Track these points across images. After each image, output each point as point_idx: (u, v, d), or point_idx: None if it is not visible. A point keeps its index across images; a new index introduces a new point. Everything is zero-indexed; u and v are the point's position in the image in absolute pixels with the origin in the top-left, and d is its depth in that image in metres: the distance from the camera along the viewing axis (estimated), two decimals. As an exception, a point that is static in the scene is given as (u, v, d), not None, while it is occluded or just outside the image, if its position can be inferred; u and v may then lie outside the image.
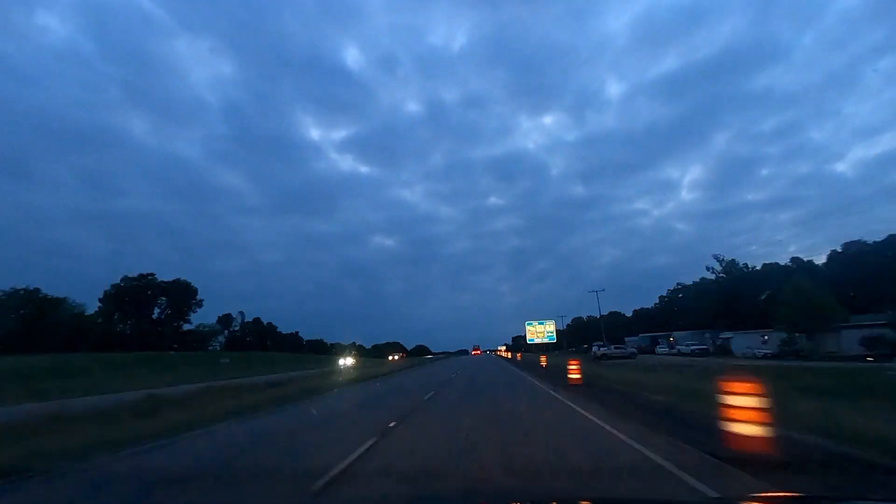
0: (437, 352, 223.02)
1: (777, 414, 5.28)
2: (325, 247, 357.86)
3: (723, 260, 68.40)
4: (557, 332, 63.83)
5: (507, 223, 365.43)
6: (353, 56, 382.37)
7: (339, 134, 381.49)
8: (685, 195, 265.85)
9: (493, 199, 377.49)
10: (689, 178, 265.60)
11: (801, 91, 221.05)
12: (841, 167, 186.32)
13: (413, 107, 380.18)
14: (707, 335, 62.62)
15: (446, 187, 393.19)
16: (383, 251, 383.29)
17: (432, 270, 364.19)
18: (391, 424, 9.09)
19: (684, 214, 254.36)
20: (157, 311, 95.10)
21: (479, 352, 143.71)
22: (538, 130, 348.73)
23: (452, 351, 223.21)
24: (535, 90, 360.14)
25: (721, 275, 68.23)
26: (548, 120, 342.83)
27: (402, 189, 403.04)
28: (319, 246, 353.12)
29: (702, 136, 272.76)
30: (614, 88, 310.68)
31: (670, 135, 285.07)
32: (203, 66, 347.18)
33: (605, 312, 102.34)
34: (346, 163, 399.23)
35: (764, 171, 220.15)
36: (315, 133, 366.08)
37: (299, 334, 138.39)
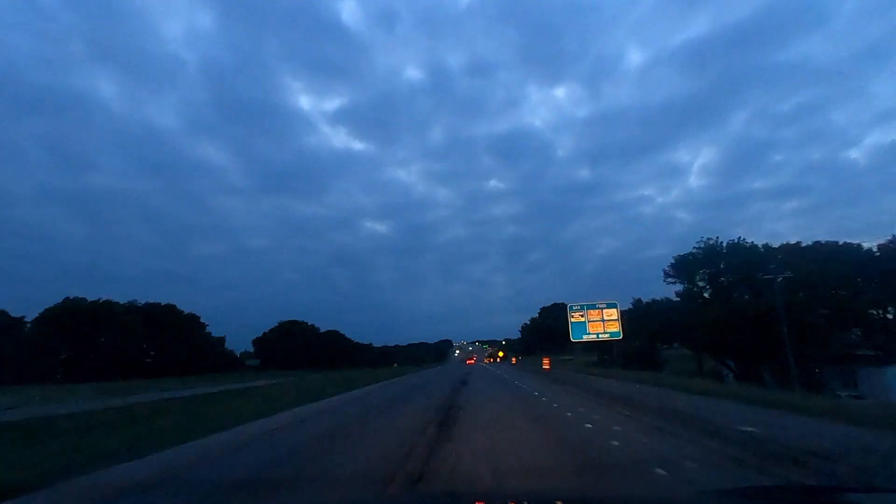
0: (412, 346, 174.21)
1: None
2: (312, 232, 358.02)
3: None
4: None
5: (505, 209, 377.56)
6: (349, 9, 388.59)
7: (332, 104, 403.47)
8: (692, 182, 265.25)
9: (493, 183, 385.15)
10: (699, 162, 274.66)
11: (832, 65, 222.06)
12: (854, 154, 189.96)
13: (413, 72, 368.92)
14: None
15: (445, 167, 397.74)
16: (374, 238, 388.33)
17: (424, 259, 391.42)
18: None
19: (688, 202, 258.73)
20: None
21: (472, 362, 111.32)
22: (547, 105, 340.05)
23: (431, 342, 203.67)
24: (548, 56, 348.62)
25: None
26: (559, 92, 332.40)
27: (398, 169, 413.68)
28: (306, 231, 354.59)
29: (719, 116, 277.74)
30: (635, 57, 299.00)
31: (686, 112, 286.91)
32: (178, 16, 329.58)
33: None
34: (339, 138, 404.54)
35: (777, 157, 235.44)
36: (305, 102, 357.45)
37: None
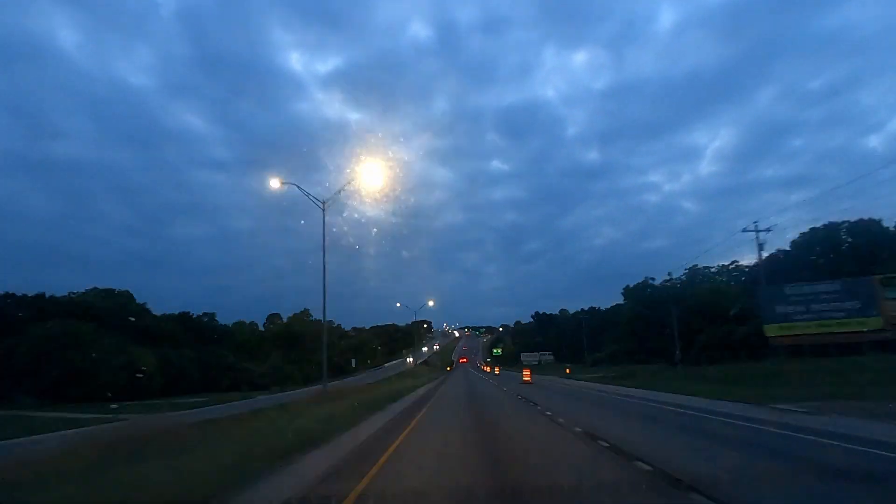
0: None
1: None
2: (300, 214, 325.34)
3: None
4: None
5: (506, 194, 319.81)
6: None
7: (326, 64, 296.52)
8: (703, 168, 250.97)
9: (495, 164, 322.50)
10: (714, 145, 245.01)
11: (874, 35, 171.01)
12: (874, 141, 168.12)
13: (418, 28, 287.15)
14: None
15: (446, 144, 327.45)
16: (364, 222, 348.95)
17: (417, 245, 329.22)
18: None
19: (695, 191, 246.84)
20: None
21: (465, 361, 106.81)
22: (563, 72, 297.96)
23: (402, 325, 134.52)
24: (570, 13, 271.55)
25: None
26: (579, 57, 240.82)
27: (396, 143, 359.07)
28: (294, 213, 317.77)
29: (744, 92, 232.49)
30: (667, 17, 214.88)
31: (711, 87, 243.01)
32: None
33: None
34: (333, 106, 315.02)
35: (796, 142, 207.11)
36: (296, 61, 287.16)
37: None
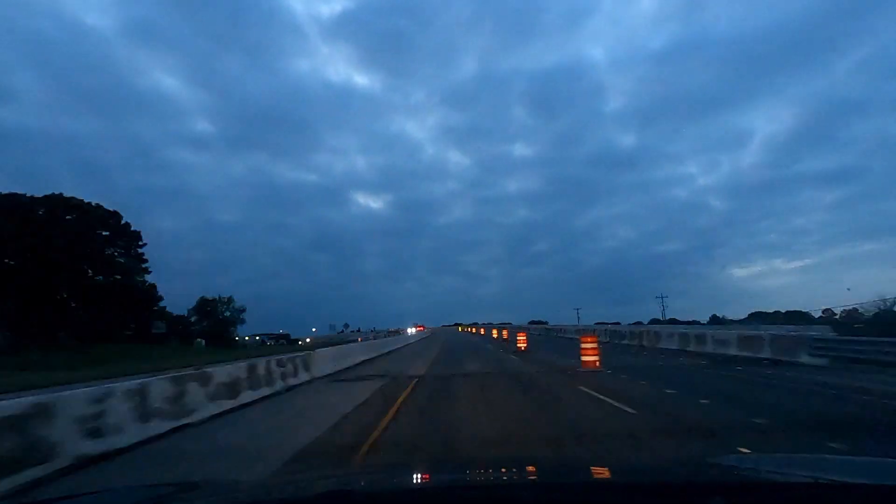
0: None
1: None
2: (293, 205, 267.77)
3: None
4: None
5: (523, 185, 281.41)
6: None
7: (331, 7, 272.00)
8: (746, 157, 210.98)
9: (518, 147, 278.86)
10: (767, 130, 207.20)
11: None
12: None
13: None
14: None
15: (466, 120, 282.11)
16: (365, 217, 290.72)
17: (418, 245, 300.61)
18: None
19: (730, 185, 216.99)
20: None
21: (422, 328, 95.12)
22: (619, 24, 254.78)
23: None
24: None
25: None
26: (643, 2, 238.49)
27: (409, 118, 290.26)
28: (287, 204, 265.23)
29: (821, 59, 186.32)
30: None
31: (787, 50, 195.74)
32: None
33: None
34: (338, 66, 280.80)
35: (857, 127, 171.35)
36: (296, 0, 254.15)
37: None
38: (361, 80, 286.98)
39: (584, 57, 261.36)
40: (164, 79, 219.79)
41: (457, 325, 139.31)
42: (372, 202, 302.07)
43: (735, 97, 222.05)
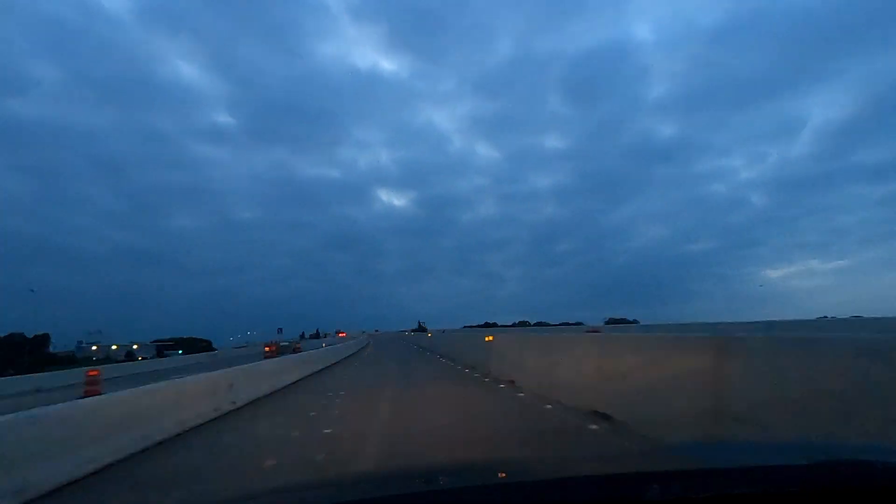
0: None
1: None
2: (313, 203, 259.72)
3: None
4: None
5: (553, 180, 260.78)
6: None
7: None
8: (796, 148, 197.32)
9: (551, 139, 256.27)
10: (823, 117, 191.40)
11: None
12: None
13: None
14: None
15: (498, 109, 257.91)
16: (388, 215, 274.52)
17: (440, 245, 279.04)
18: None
19: (774, 179, 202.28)
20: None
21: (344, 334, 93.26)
22: (664, 0, 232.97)
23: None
24: None
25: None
26: None
27: (437, 108, 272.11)
28: (307, 201, 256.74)
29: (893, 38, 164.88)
30: None
31: (857, 22, 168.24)
32: None
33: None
34: (365, 51, 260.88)
35: None
36: None
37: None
38: (388, 65, 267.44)
39: (629, 36, 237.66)
40: (183, 66, 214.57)
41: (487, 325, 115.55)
42: (395, 199, 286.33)
43: (791, 80, 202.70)
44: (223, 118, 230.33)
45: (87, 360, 67.80)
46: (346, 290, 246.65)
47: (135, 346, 77.88)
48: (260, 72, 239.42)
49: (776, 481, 1.21)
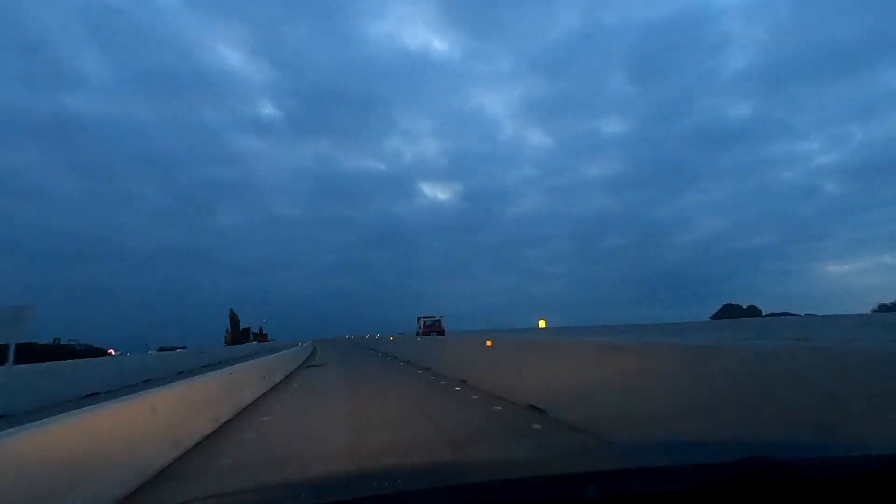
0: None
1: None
2: (355, 198, 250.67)
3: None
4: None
5: (606, 168, 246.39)
6: None
7: None
8: (886, 127, 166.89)
9: (609, 123, 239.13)
10: None
11: None
12: None
13: None
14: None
15: (555, 91, 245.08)
16: (431, 210, 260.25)
17: (483, 241, 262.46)
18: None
19: (854, 163, 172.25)
20: None
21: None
22: None
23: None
24: None
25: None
26: None
27: (488, 91, 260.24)
28: (351, 196, 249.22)
29: None
30: None
31: None
32: None
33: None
34: (416, 27, 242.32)
35: None
36: None
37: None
38: (440, 44, 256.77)
39: (708, 0, 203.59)
40: (230, 54, 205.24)
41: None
42: (440, 193, 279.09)
43: (890, 47, 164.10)
44: (268, 110, 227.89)
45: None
46: (384, 288, 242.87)
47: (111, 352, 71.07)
48: (308, 57, 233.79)
49: (704, 478, 1.27)
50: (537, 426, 5.83)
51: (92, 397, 11.24)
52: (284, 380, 13.43)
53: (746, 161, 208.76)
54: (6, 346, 10.88)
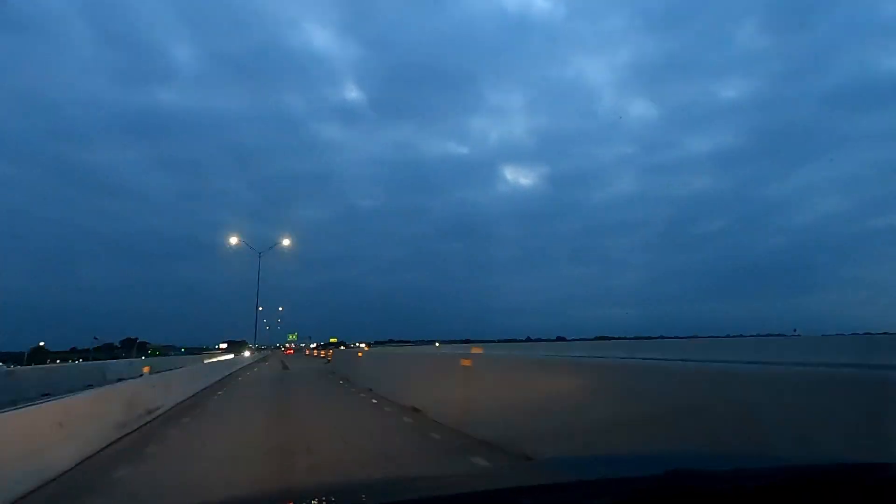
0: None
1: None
2: (433, 186, 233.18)
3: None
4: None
5: (715, 141, 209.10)
6: None
7: None
8: None
9: (729, 84, 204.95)
10: None
11: None
12: None
13: None
14: None
15: (667, 48, 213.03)
16: (511, 196, 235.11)
17: (562, 229, 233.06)
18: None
19: None
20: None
21: (291, 351, 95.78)
22: None
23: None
24: None
25: None
26: None
27: (594, 54, 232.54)
28: (429, 184, 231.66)
29: None
30: None
31: None
32: None
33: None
34: None
35: None
36: None
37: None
38: (543, 1, 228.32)
39: None
40: (316, 32, 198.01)
41: None
42: (522, 177, 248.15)
43: None
44: (352, 93, 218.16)
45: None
46: (456, 282, 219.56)
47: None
48: (397, 31, 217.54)
49: (630, 491, 1.31)
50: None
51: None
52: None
53: (891, 125, 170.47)
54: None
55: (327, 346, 73.15)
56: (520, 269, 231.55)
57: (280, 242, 36.20)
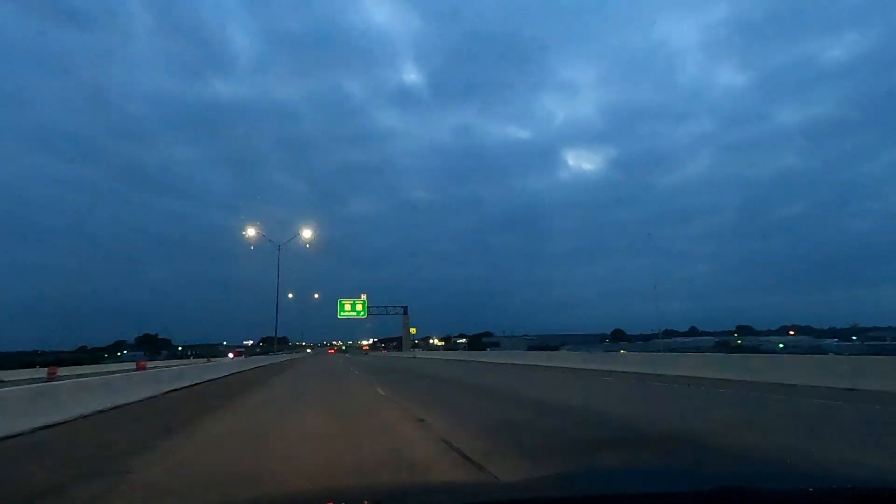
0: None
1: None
2: (489, 174, 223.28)
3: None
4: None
5: (808, 111, 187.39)
6: None
7: None
8: None
9: (839, 44, 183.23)
10: None
11: None
12: None
13: None
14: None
15: (767, 6, 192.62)
16: (573, 184, 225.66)
17: (624, 219, 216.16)
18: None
19: None
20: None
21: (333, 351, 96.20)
22: None
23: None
24: None
25: None
26: None
27: (683, 12, 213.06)
28: (485, 172, 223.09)
29: None
30: None
31: None
32: None
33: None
34: None
35: None
36: None
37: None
38: None
39: None
40: (376, 9, 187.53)
41: None
42: (586, 162, 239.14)
43: None
44: (411, 76, 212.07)
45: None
46: (511, 275, 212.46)
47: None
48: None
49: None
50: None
51: None
52: None
53: None
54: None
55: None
56: (579, 261, 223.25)
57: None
